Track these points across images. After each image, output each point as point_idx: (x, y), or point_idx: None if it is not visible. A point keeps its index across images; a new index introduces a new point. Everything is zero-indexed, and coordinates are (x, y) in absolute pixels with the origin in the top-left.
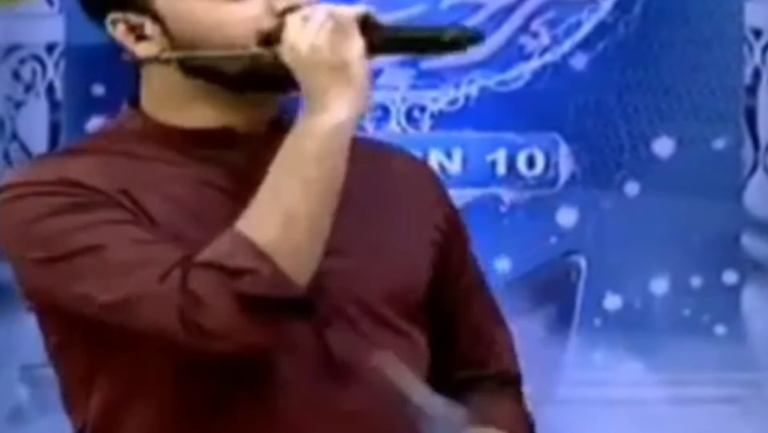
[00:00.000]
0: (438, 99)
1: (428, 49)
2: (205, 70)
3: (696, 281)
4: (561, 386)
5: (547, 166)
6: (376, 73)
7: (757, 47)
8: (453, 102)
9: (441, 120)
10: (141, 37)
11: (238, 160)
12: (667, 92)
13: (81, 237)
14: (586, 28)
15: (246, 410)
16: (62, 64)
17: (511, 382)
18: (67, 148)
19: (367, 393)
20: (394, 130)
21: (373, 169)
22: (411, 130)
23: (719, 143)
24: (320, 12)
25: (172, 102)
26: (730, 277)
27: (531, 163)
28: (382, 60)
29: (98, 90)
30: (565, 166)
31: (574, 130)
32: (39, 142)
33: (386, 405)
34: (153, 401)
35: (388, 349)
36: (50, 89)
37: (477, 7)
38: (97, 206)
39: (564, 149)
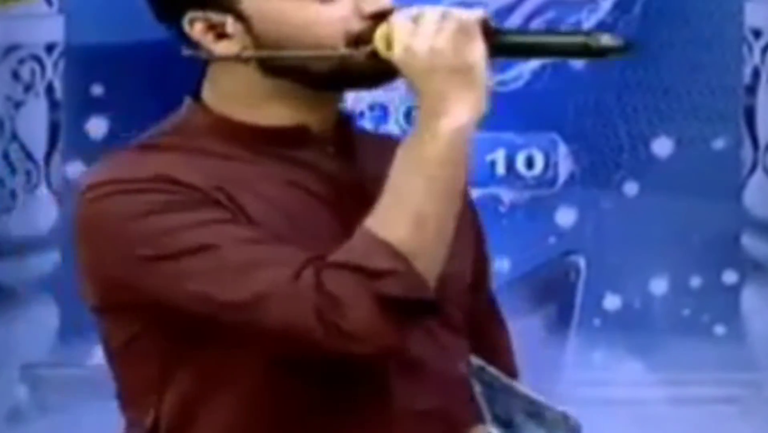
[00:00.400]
0: None
1: (562, 54)
2: (290, 69)
3: (695, 281)
4: (560, 386)
5: (546, 166)
6: None
7: (757, 47)
8: None
9: None
10: (221, 35)
11: (316, 160)
12: (667, 92)
13: (190, 236)
14: (586, 28)
15: (334, 415)
16: (61, 64)
17: None
18: (139, 145)
19: (442, 392)
20: (393, 129)
21: None
22: (410, 130)
23: (718, 143)
24: (432, 14)
25: (246, 100)
26: (729, 277)
27: (530, 163)
28: None
29: (97, 90)
30: (564, 166)
31: (573, 130)
32: (38, 142)
33: (460, 404)
34: (235, 398)
35: (454, 348)
36: (49, 89)
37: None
38: (199, 205)
39: (563, 149)
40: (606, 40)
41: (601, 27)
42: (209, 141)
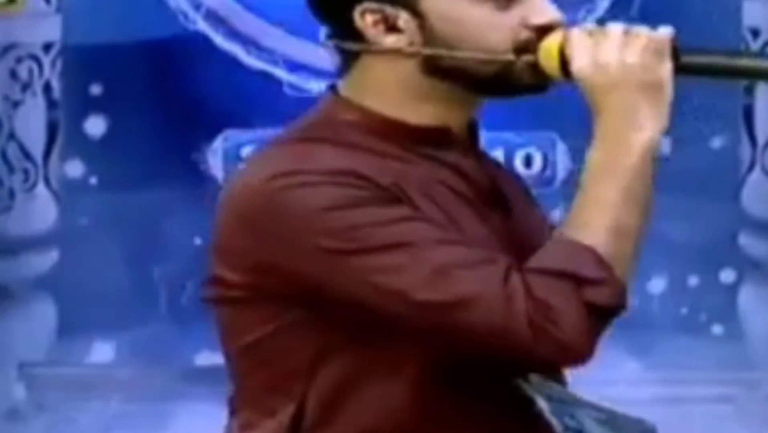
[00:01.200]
0: None
1: (757, 77)
2: (453, 69)
3: (693, 280)
4: None
5: (544, 165)
6: None
7: (755, 46)
8: None
9: None
10: (391, 29)
11: (458, 161)
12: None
13: (383, 232)
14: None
15: (479, 419)
16: (59, 63)
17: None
18: (295, 138)
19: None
20: None
21: (512, 181)
22: None
23: (716, 142)
24: (617, 29)
25: (398, 96)
26: (727, 276)
27: (528, 162)
28: None
29: (96, 89)
30: (563, 165)
31: (571, 129)
32: (36, 142)
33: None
34: (386, 389)
35: None
36: (47, 88)
37: None
38: (387, 201)
39: (561, 148)
40: None
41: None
42: (358, 136)
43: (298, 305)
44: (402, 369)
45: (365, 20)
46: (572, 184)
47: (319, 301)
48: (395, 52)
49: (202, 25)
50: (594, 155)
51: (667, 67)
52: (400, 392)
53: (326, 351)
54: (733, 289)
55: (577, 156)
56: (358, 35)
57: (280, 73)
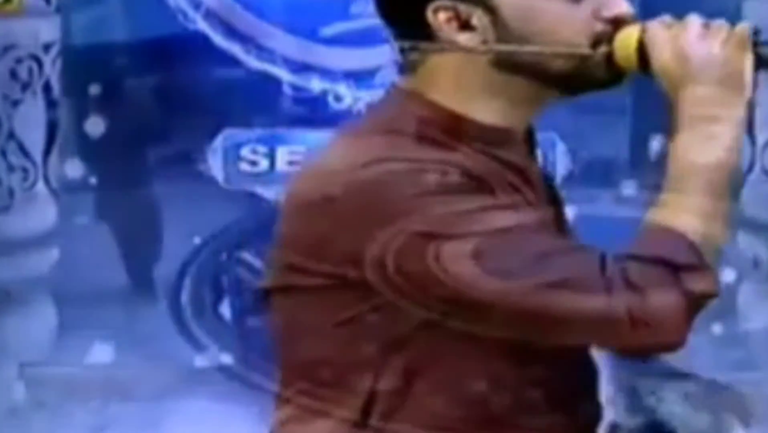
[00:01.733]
0: None
1: None
2: (528, 65)
3: None
4: None
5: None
6: (373, 72)
7: None
8: None
9: None
10: (464, 26)
11: (522, 165)
12: (665, 90)
13: (477, 219)
14: None
15: (541, 412)
16: (59, 63)
17: None
18: (372, 129)
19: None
20: None
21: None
22: None
23: None
24: (695, 22)
25: (469, 92)
26: (727, 275)
27: None
28: (380, 59)
29: (95, 89)
30: (562, 164)
31: (571, 129)
32: (36, 141)
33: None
34: (459, 366)
35: None
36: (47, 88)
37: None
38: (478, 190)
39: (561, 148)
40: None
41: None
42: (433, 131)
43: (380, 292)
44: (473, 350)
45: (438, 18)
46: (572, 184)
47: (405, 287)
48: (469, 50)
49: (202, 25)
50: (678, 146)
51: (748, 60)
52: (472, 373)
53: (399, 339)
54: (732, 288)
55: (577, 156)
56: (427, 33)
57: (280, 72)
